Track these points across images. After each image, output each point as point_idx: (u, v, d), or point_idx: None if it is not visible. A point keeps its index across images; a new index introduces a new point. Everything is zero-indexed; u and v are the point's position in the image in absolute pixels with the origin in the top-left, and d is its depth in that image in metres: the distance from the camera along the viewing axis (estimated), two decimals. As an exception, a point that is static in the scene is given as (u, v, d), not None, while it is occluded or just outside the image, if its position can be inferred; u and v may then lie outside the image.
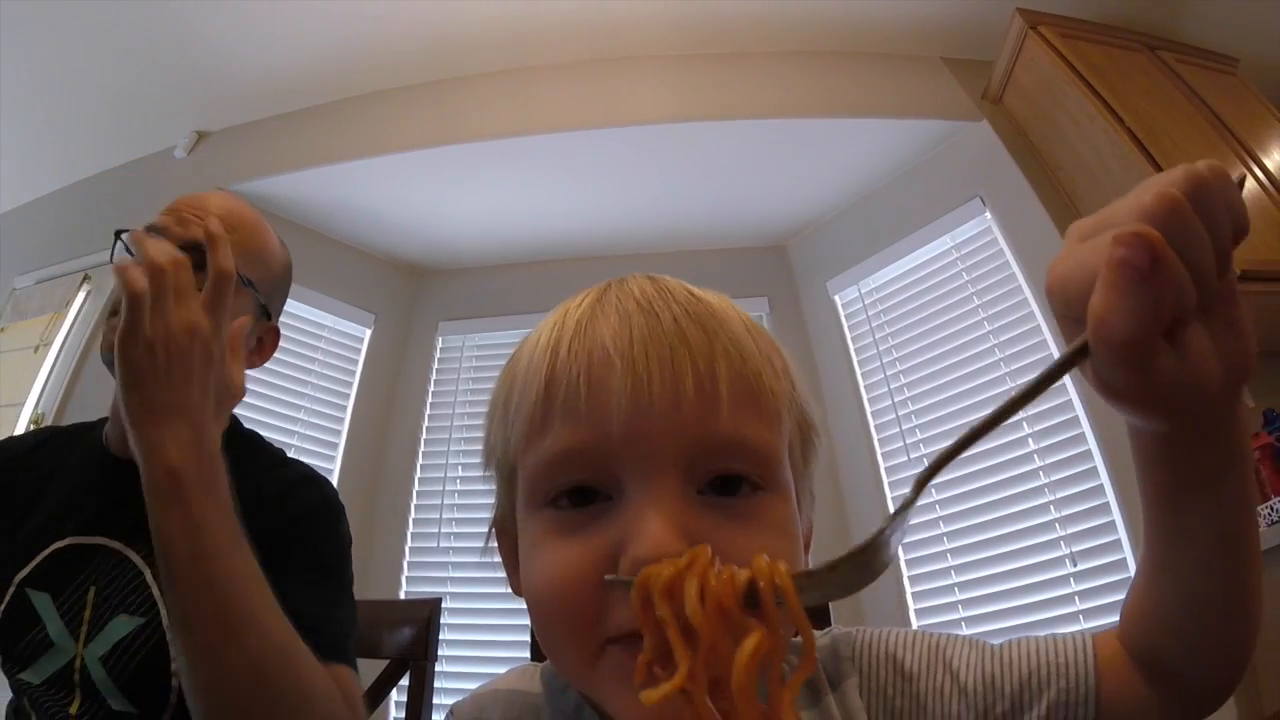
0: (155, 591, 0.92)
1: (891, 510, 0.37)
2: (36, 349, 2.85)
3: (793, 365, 0.58)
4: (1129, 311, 0.32)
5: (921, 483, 0.38)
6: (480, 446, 0.62)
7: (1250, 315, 0.37)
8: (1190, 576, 0.47)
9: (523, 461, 0.53)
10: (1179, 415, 0.38)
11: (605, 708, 0.48)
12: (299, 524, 1.01)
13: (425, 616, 1.32)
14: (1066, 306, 0.37)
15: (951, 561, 2.45)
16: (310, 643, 0.81)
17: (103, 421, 1.11)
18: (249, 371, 1.21)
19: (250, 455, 1.11)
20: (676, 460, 0.48)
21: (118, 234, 1.06)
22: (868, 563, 0.37)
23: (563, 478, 0.50)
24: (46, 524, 0.98)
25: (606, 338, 0.51)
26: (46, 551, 0.96)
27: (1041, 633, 0.58)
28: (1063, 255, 0.37)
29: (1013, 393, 0.36)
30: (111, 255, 1.03)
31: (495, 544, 0.62)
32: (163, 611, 0.91)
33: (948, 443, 0.37)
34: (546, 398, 0.51)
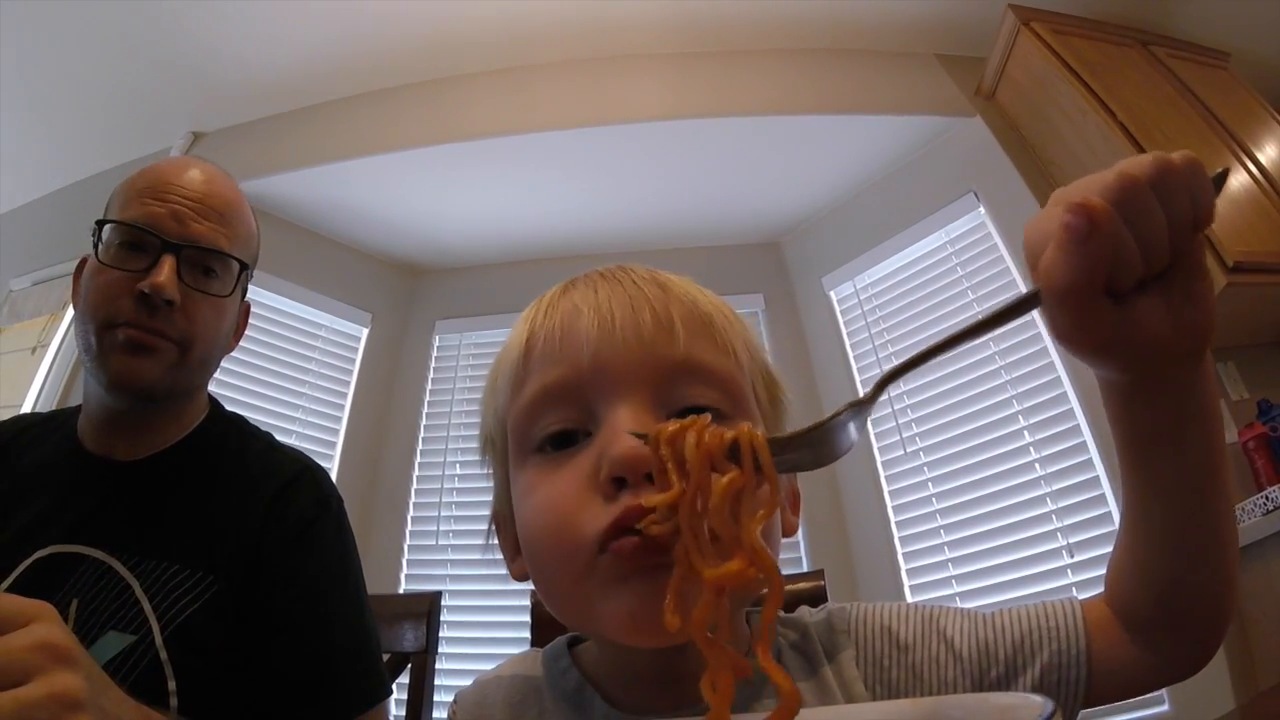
0: (146, 606, 0.87)
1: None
2: (34, 350, 2.85)
3: (752, 329, 0.64)
4: (1068, 266, 0.38)
5: (881, 384, 0.43)
6: (477, 440, 0.66)
7: (1212, 290, 0.42)
8: (1161, 526, 0.50)
9: (510, 419, 0.58)
10: (1131, 366, 0.44)
11: (598, 620, 0.51)
12: (303, 540, 0.96)
13: (426, 611, 1.33)
14: (1034, 260, 0.41)
15: (949, 553, 2.46)
16: (349, 691, 0.84)
17: (79, 410, 1.04)
18: (233, 354, 1.17)
19: (237, 439, 1.08)
20: (642, 382, 0.53)
21: (100, 224, 1.00)
22: (825, 439, 0.42)
23: (544, 419, 0.54)
24: (26, 531, 0.92)
25: (576, 300, 0.57)
26: (28, 562, 0.89)
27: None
28: (1035, 220, 0.42)
29: (978, 317, 0.41)
30: (96, 251, 0.98)
31: (495, 536, 0.65)
32: (154, 627, 0.86)
33: (912, 353, 0.43)
34: (526, 354, 0.57)
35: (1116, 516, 2.12)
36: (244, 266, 1.05)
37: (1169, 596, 0.52)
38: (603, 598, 0.49)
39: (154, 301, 0.93)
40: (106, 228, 0.99)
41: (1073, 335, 0.41)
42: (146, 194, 0.99)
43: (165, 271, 0.94)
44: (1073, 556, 2.21)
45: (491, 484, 0.65)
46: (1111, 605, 0.56)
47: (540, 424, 0.54)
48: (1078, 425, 2.31)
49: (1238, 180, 2.41)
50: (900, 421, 2.70)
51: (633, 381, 0.53)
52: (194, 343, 0.98)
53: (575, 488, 0.50)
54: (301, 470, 1.04)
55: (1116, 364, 0.44)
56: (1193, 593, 0.52)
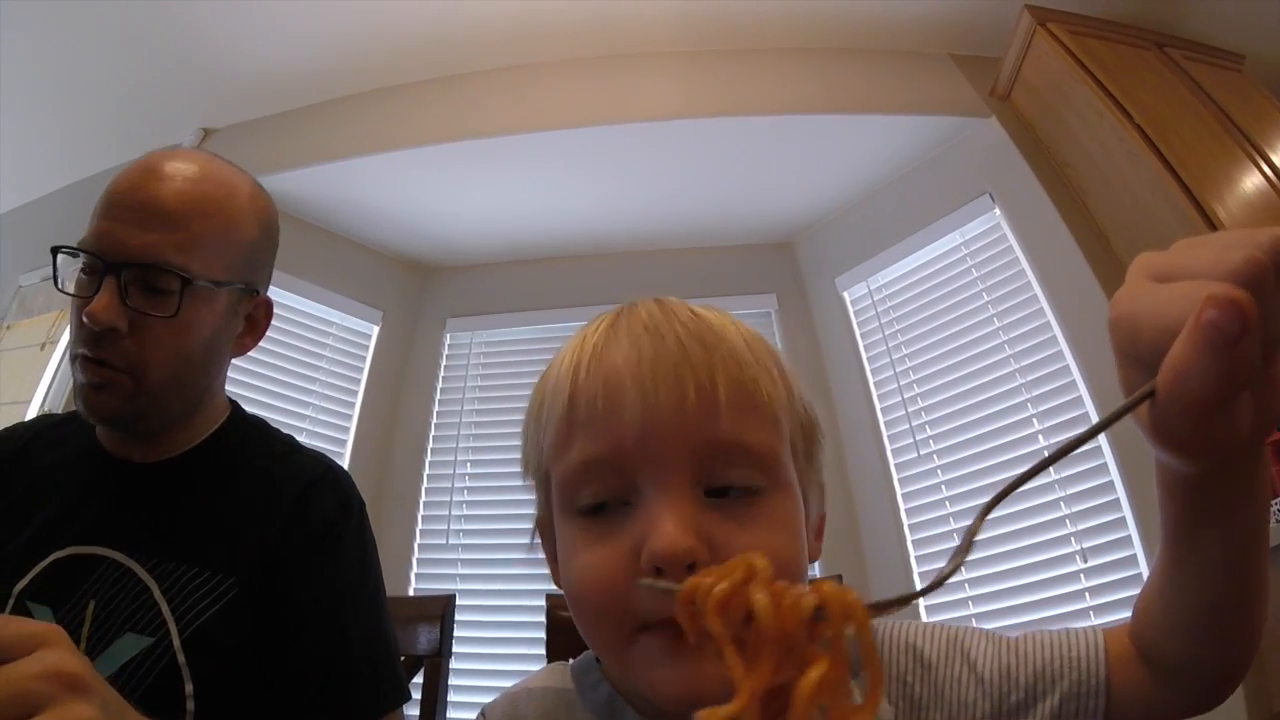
0: (164, 609, 0.86)
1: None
2: (43, 346, 2.86)
3: (791, 370, 0.64)
4: (1210, 373, 0.33)
5: (982, 514, 0.39)
6: (520, 458, 0.68)
7: None
8: (1200, 593, 0.50)
9: (554, 470, 0.59)
10: (1212, 461, 0.40)
11: (640, 684, 0.53)
12: (324, 542, 0.96)
13: (440, 613, 1.32)
14: (1133, 346, 0.38)
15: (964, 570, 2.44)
16: (367, 695, 0.85)
17: None
18: (249, 354, 1.16)
19: (258, 442, 1.07)
20: (684, 462, 0.53)
21: (54, 251, 0.92)
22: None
23: (588, 487, 0.55)
24: (45, 531, 0.91)
25: (619, 361, 0.56)
26: (46, 561, 0.88)
27: (1052, 628, 0.62)
28: (1133, 293, 0.38)
29: (1069, 438, 0.37)
30: (55, 279, 0.93)
31: (540, 541, 0.67)
32: (173, 630, 0.85)
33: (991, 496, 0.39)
34: (570, 415, 0.57)
35: (1131, 523, 2.11)
36: (188, 281, 0.91)
37: (1194, 651, 0.53)
38: (646, 667, 0.52)
39: (96, 331, 0.87)
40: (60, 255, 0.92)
41: (1188, 443, 0.37)
42: (100, 210, 0.91)
43: (102, 297, 0.86)
44: (1086, 561, 2.19)
45: (533, 496, 0.67)
46: (1135, 641, 0.57)
47: (584, 492, 0.56)
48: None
49: (1251, 182, 2.39)
50: (917, 436, 2.68)
51: (675, 463, 0.53)
52: (147, 368, 0.90)
53: (616, 565, 0.52)
54: (324, 472, 1.04)
55: (1203, 462, 0.41)
56: (1219, 647, 0.53)
